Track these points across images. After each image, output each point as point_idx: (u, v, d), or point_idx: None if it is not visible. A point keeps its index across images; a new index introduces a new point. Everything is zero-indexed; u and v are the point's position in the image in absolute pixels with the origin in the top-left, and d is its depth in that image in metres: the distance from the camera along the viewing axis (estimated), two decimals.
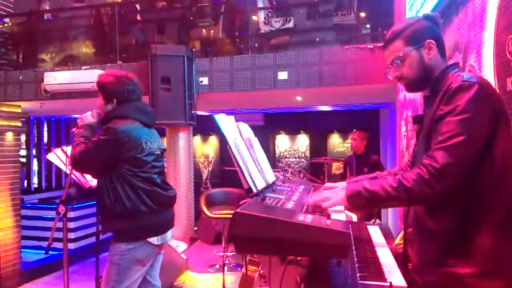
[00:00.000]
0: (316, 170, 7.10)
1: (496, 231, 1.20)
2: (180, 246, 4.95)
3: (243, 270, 2.27)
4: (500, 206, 1.21)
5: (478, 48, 1.96)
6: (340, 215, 1.39)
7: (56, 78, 4.95)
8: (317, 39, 4.87)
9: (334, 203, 1.37)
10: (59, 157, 2.68)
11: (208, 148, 8.88)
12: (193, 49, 4.92)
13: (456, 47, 2.33)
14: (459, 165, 1.18)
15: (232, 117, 1.68)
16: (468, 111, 1.19)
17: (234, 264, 4.84)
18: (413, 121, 1.50)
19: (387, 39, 1.43)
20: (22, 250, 5.36)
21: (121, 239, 2.23)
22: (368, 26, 5.10)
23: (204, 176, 8.83)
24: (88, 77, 4.80)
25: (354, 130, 5.11)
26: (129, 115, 2.31)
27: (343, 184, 1.69)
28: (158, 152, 2.41)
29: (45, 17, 6.33)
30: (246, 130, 1.82)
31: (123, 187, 2.20)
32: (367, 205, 1.32)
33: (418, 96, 3.10)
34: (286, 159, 8.27)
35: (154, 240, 2.27)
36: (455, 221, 1.24)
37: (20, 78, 5.19)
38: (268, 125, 7.98)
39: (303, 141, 8.38)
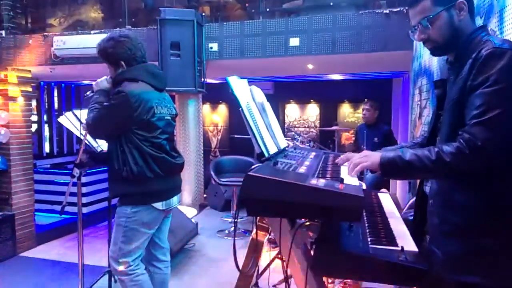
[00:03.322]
0: (325, 140, 7.06)
1: None
2: (190, 212, 5.04)
3: (253, 234, 2.31)
4: None
5: (501, 12, 1.87)
6: (353, 179, 1.38)
7: (65, 43, 4.90)
8: (331, 4, 4.71)
9: (366, 166, 1.34)
10: (70, 121, 2.69)
11: (217, 116, 8.85)
12: (203, 14, 4.81)
13: (477, 11, 2.24)
14: (500, 139, 1.13)
15: (245, 80, 1.65)
16: (502, 80, 1.13)
17: (243, 230, 4.93)
18: (434, 86, 1.45)
19: None
20: (36, 213, 5.49)
21: (126, 202, 2.27)
22: None
23: (213, 145, 8.85)
24: (97, 42, 4.73)
25: (366, 100, 5.01)
26: (140, 77, 2.28)
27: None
28: (169, 118, 2.39)
29: None
30: (259, 94, 1.79)
31: (132, 151, 2.21)
32: (399, 173, 1.30)
33: (434, 64, 3.02)
34: (296, 129, 8.23)
35: (159, 205, 2.30)
36: (484, 196, 1.20)
37: (30, 42, 5.15)
38: (278, 94, 7.87)
39: (313, 111, 8.29)
